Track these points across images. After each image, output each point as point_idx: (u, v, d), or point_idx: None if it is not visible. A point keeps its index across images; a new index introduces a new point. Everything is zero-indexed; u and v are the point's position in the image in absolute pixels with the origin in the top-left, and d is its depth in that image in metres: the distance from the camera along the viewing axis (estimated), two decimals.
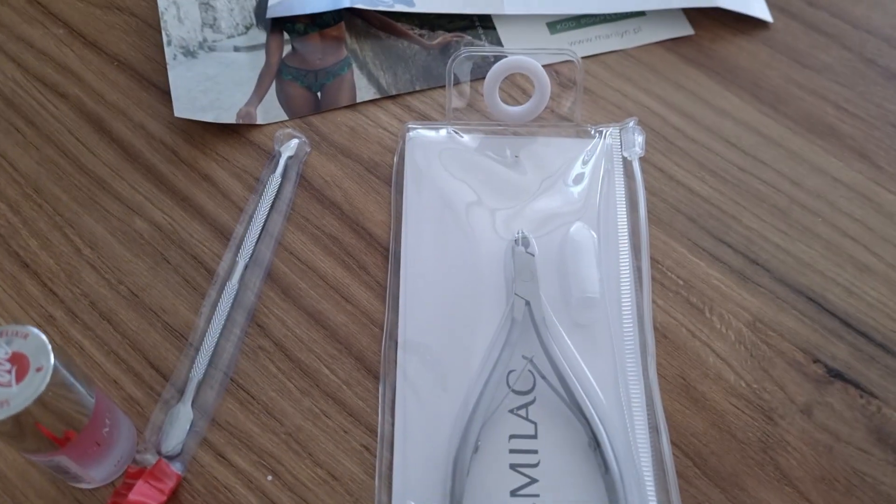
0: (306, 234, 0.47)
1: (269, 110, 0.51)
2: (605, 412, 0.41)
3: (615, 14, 0.56)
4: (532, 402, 0.42)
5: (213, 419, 0.41)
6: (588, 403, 0.40)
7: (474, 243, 0.46)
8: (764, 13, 0.56)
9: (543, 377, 0.42)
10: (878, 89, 0.53)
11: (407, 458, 0.40)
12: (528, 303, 0.43)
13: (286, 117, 0.51)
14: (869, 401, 0.42)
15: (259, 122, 0.50)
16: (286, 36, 0.54)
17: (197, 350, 0.43)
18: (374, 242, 0.47)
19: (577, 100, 0.49)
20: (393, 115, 0.51)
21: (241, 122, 0.50)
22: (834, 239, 0.47)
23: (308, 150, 0.50)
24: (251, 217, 0.47)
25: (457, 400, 0.41)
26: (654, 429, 0.41)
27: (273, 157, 0.49)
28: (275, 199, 0.47)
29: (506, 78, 0.52)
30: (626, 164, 0.49)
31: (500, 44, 0.54)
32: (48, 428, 0.34)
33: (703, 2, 0.55)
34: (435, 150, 0.49)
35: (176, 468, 0.40)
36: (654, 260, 0.46)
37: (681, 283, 0.46)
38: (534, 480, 0.40)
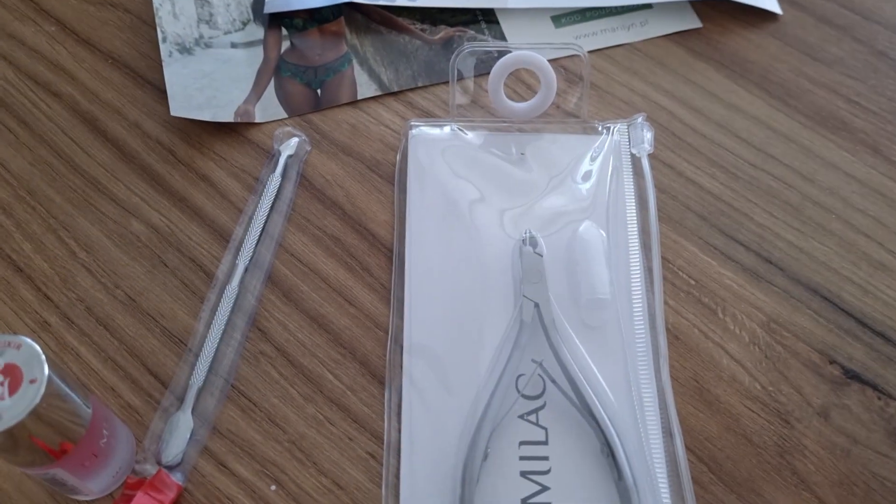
0: (307, 236, 0.46)
1: (268, 108, 0.50)
2: (618, 417, 0.40)
3: (621, 7, 0.54)
4: (542, 407, 0.40)
5: (214, 427, 0.40)
6: (600, 408, 0.39)
7: (480, 243, 0.44)
8: (773, 5, 0.55)
9: (553, 381, 0.41)
10: (891, 82, 0.52)
11: (414, 465, 0.39)
12: (536, 305, 0.42)
13: (285, 115, 0.49)
14: (887, 402, 0.41)
15: (257, 120, 0.49)
16: (284, 32, 0.52)
17: (196, 356, 0.42)
18: (377, 243, 0.46)
19: (583, 95, 0.48)
20: (395, 112, 0.50)
21: (239, 120, 0.49)
22: (848, 236, 0.46)
23: (308, 148, 0.48)
24: (251, 218, 0.45)
25: (464, 405, 0.40)
26: (667, 433, 0.40)
27: (272, 156, 0.48)
28: (275, 199, 0.46)
29: (510, 73, 0.51)
30: (635, 160, 0.47)
31: (503, 38, 0.53)
32: (43, 440, 0.32)
33: None
34: (438, 148, 0.47)
35: (176, 478, 0.39)
36: (664, 259, 0.45)
37: (692, 282, 0.45)
38: (545, 488, 0.38)
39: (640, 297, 0.43)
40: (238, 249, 0.45)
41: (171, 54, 0.50)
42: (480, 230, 0.45)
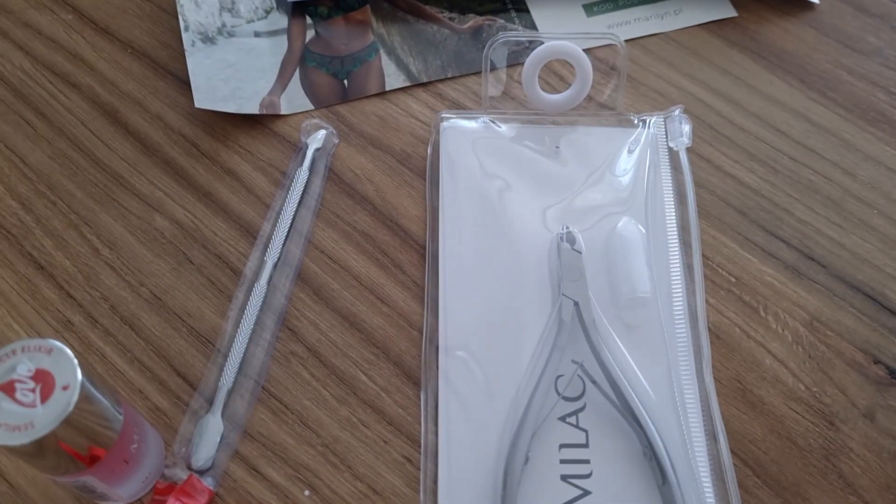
0: (337, 231, 0.44)
1: (294, 99, 0.48)
2: (660, 418, 0.39)
3: None
4: (582, 409, 0.39)
5: (244, 430, 0.39)
6: (642, 409, 0.38)
7: (516, 239, 0.43)
8: None
9: (594, 382, 0.39)
10: None
11: (452, 469, 0.38)
12: (576, 304, 0.40)
13: (311, 107, 0.48)
14: None
15: (283, 111, 0.48)
16: (308, 20, 0.51)
17: (225, 356, 0.40)
18: (409, 239, 0.44)
19: (619, 87, 0.47)
20: (424, 104, 0.49)
21: (264, 112, 0.47)
22: (891, 232, 0.45)
23: (336, 141, 0.47)
24: (278, 213, 0.44)
25: (503, 407, 0.39)
26: (711, 436, 0.39)
27: (299, 149, 0.47)
28: (303, 194, 0.45)
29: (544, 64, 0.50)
30: (673, 154, 0.46)
31: (533, 27, 0.52)
32: (75, 448, 0.31)
33: None
34: (471, 141, 0.46)
35: (207, 483, 0.38)
36: (703, 256, 0.44)
37: (732, 280, 0.44)
38: (587, 492, 0.37)
39: (680, 295, 0.42)
40: (266, 246, 0.43)
41: (193, 44, 0.49)
42: (516, 225, 0.44)
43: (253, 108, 0.47)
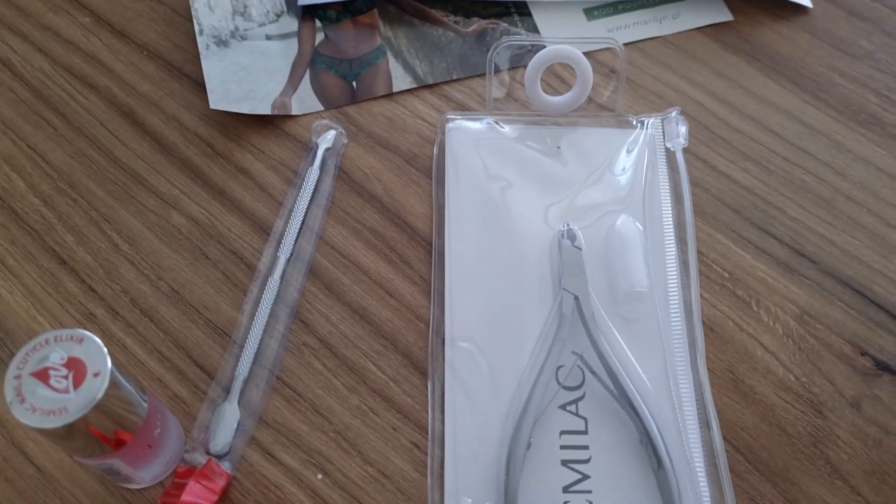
0: (347, 228, 0.46)
1: (304, 100, 0.50)
2: (656, 407, 0.41)
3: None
4: (582, 398, 0.41)
5: (260, 417, 0.41)
6: (638, 398, 0.40)
7: (518, 236, 0.45)
8: None
9: (593, 373, 0.41)
10: None
11: (458, 455, 0.40)
12: (576, 298, 0.42)
13: (321, 107, 0.50)
14: None
15: (294, 112, 0.50)
16: (318, 24, 0.53)
17: (241, 347, 0.42)
18: (416, 236, 0.46)
19: (618, 89, 0.49)
20: (430, 105, 0.50)
21: (276, 113, 0.49)
22: (879, 230, 0.47)
23: (345, 141, 0.49)
24: (290, 211, 0.46)
25: (506, 396, 0.41)
26: (704, 423, 0.41)
27: (310, 149, 0.48)
28: (314, 192, 0.46)
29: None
30: (669, 154, 0.48)
31: (536, 31, 0.53)
32: (103, 432, 0.33)
33: None
34: (475, 141, 0.48)
35: (225, 467, 0.39)
36: (698, 252, 0.46)
37: (726, 275, 0.45)
38: (586, 476, 0.39)
39: (676, 290, 0.44)
40: (279, 242, 0.45)
41: (208, 47, 0.50)
42: (518, 223, 0.45)
43: (265, 109, 0.49)
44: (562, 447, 0.40)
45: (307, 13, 0.53)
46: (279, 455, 0.40)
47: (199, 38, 0.51)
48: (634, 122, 0.49)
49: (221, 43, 0.51)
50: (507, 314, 0.43)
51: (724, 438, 0.41)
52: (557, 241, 0.44)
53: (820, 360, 0.43)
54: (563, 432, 0.40)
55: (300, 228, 0.45)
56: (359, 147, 0.49)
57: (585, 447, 0.40)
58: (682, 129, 0.48)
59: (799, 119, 0.51)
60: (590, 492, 0.39)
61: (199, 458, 0.40)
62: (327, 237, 0.46)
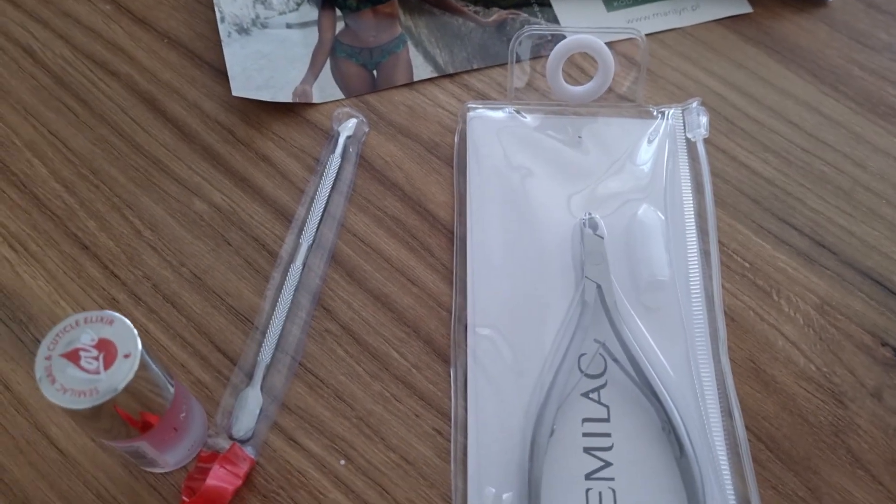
0: (368, 216, 0.46)
1: (325, 89, 0.50)
2: (678, 395, 0.41)
3: None
4: (604, 386, 0.41)
5: (282, 403, 0.41)
6: (661, 387, 0.40)
7: (540, 224, 0.45)
8: None
9: (616, 361, 0.41)
10: None
11: (481, 442, 0.40)
12: (598, 286, 0.42)
13: (342, 96, 0.50)
14: None
15: (315, 100, 0.50)
16: (338, 12, 0.53)
17: (263, 333, 0.42)
18: (438, 224, 0.46)
19: (639, 79, 0.49)
20: (451, 95, 0.51)
21: (297, 100, 0.49)
22: None
23: (366, 129, 0.49)
24: (312, 198, 0.46)
25: (529, 383, 0.41)
26: (726, 412, 0.41)
27: (331, 136, 0.48)
28: (335, 179, 0.47)
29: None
30: (690, 145, 0.48)
31: (555, 20, 0.53)
32: (131, 414, 0.33)
33: None
34: (496, 130, 0.48)
35: (248, 452, 0.40)
36: (719, 242, 0.46)
37: (747, 265, 0.45)
38: (608, 464, 0.39)
39: (697, 279, 0.44)
40: (301, 229, 0.45)
41: (229, 35, 0.50)
42: (539, 211, 0.45)
43: (286, 97, 0.49)
44: (584, 434, 0.40)
45: (327, 2, 0.53)
46: (302, 441, 0.40)
47: (220, 26, 0.51)
48: (655, 113, 0.49)
49: (243, 31, 0.51)
50: (528, 302, 0.43)
51: (746, 427, 0.41)
52: (579, 230, 0.44)
53: (841, 351, 0.43)
54: (585, 420, 0.40)
55: (322, 216, 0.46)
56: (380, 135, 0.49)
57: (608, 435, 0.40)
58: (703, 119, 0.48)
59: (818, 110, 0.51)
60: (612, 479, 0.39)
61: (223, 443, 0.40)
62: (349, 225, 0.46)
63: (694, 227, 0.45)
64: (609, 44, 0.52)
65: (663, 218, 0.45)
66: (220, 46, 0.51)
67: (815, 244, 0.46)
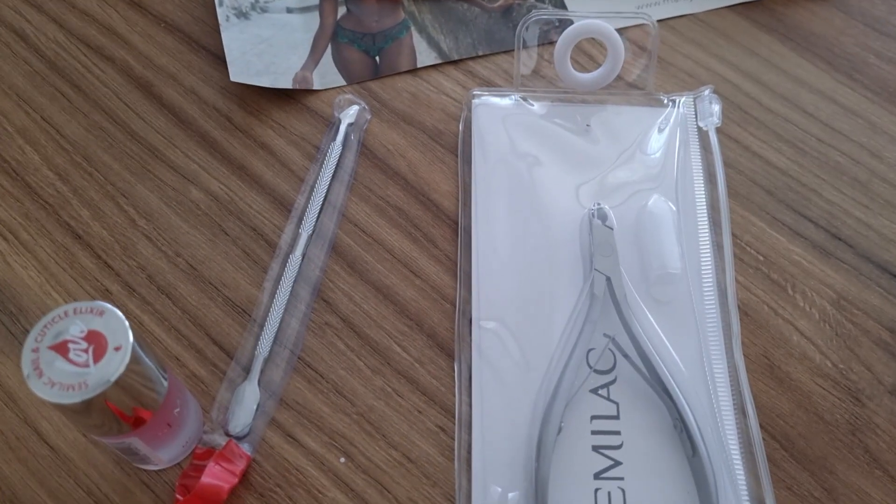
0: (370, 206, 0.45)
1: (326, 75, 0.49)
2: (690, 392, 0.39)
3: None
4: (613, 382, 0.40)
5: (280, 398, 0.40)
6: (673, 383, 0.39)
7: (547, 215, 0.44)
8: None
9: (626, 356, 0.40)
10: None
11: (486, 439, 0.38)
12: (608, 279, 0.41)
13: (344, 82, 0.49)
14: None
15: (316, 87, 0.48)
16: None
17: (261, 326, 0.41)
18: (442, 214, 0.45)
19: (650, 66, 0.47)
20: (455, 81, 0.49)
21: (297, 87, 0.48)
22: None
23: (368, 117, 0.48)
24: (312, 187, 0.45)
25: (536, 379, 0.40)
26: (740, 410, 0.39)
27: (332, 124, 0.47)
28: (336, 168, 0.45)
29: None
30: (702, 134, 0.46)
31: (562, 6, 0.52)
32: (122, 409, 0.32)
33: None
34: (502, 118, 0.46)
35: (245, 449, 0.38)
36: (732, 235, 0.45)
37: (761, 258, 0.44)
38: (617, 463, 0.38)
39: (709, 272, 0.42)
40: (300, 219, 0.44)
41: (228, 19, 0.49)
42: (547, 201, 0.44)
43: (286, 83, 0.47)
44: (593, 432, 0.39)
45: None
46: (300, 437, 0.39)
47: (218, 10, 0.49)
48: (666, 101, 0.48)
49: (241, 15, 0.49)
50: (535, 295, 0.42)
51: (760, 425, 0.40)
52: (588, 221, 0.43)
53: (858, 347, 0.42)
54: (594, 417, 0.39)
55: (322, 205, 0.44)
56: (382, 123, 0.48)
57: (617, 432, 0.39)
58: (716, 108, 0.46)
59: (833, 99, 0.49)
60: (622, 478, 0.38)
61: (219, 440, 0.38)
62: (350, 214, 0.45)
63: (706, 219, 0.44)
64: (619, 30, 0.50)
65: (674, 209, 0.44)
66: (218, 31, 0.49)
67: (832, 237, 0.45)
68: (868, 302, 0.43)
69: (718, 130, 0.47)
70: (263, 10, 0.50)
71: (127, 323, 0.31)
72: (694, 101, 0.47)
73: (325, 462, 0.38)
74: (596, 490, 0.37)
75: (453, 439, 0.39)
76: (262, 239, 0.44)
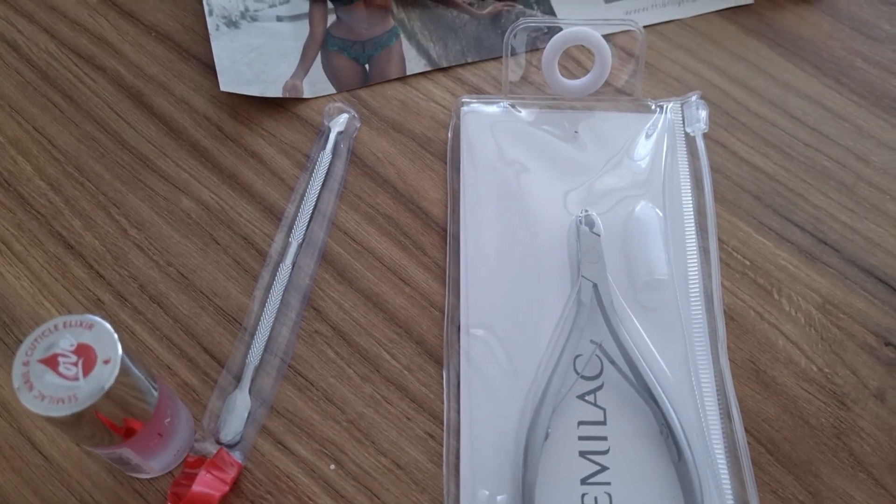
0: (360, 214, 0.45)
1: (316, 83, 0.49)
2: (676, 397, 0.40)
3: None
4: (600, 388, 0.40)
5: (271, 406, 0.40)
6: (659, 388, 0.39)
7: (535, 222, 0.44)
8: None
9: (612, 362, 0.40)
10: None
11: (474, 445, 0.39)
12: (595, 285, 0.41)
13: (334, 90, 0.49)
14: None
15: (306, 95, 0.48)
16: (329, 5, 0.52)
17: (252, 335, 0.41)
18: (431, 222, 0.45)
19: (637, 73, 0.48)
20: (445, 89, 0.49)
21: (287, 95, 0.48)
22: None
23: (358, 125, 0.48)
24: (302, 196, 0.45)
25: (524, 385, 0.40)
26: (725, 414, 0.40)
27: (322, 132, 0.47)
28: (326, 176, 0.45)
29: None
30: (689, 140, 0.47)
31: (552, 13, 0.52)
32: (113, 421, 0.32)
33: None
34: (491, 125, 0.47)
35: (236, 457, 0.39)
36: (719, 240, 0.45)
37: (747, 263, 0.44)
38: (604, 468, 0.39)
39: (696, 278, 0.43)
40: (290, 227, 0.44)
41: (217, 28, 0.49)
42: (535, 208, 0.44)
43: (276, 92, 0.48)
44: (580, 438, 0.39)
45: None
46: (291, 445, 0.39)
47: (208, 20, 0.50)
48: (653, 107, 0.48)
49: (231, 24, 0.50)
50: (523, 302, 0.42)
51: (746, 430, 0.40)
52: (575, 228, 0.43)
53: (843, 351, 0.42)
54: (581, 423, 0.40)
55: (312, 213, 0.44)
56: (372, 131, 0.48)
57: (604, 438, 0.39)
58: (703, 113, 0.46)
59: (820, 104, 0.50)
60: (608, 483, 0.38)
61: (210, 448, 0.39)
62: (340, 222, 0.45)
63: (693, 224, 0.44)
64: (606, 36, 0.51)
65: (661, 215, 0.44)
66: (209, 40, 0.49)
67: (818, 241, 0.45)
68: (853, 306, 0.43)
69: (706, 136, 0.48)
70: (253, 19, 0.50)
71: (116, 336, 0.31)
72: (681, 106, 0.48)
73: (316, 469, 0.39)
74: (583, 495, 0.38)
75: (442, 446, 0.39)
76: (252, 248, 0.44)
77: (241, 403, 0.40)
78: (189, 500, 0.37)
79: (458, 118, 0.47)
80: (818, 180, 0.47)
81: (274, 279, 0.43)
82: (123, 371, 0.31)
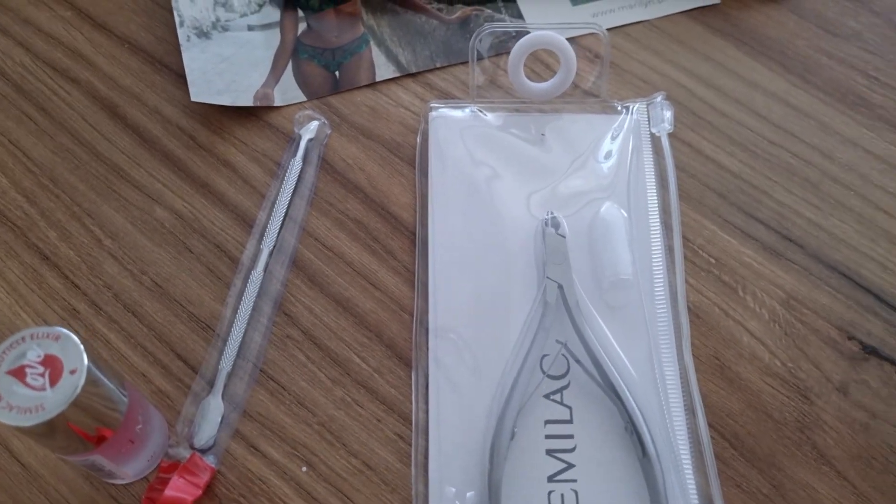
0: (330, 219, 0.46)
1: (287, 91, 0.50)
2: (641, 395, 0.40)
3: None
4: (566, 387, 0.41)
5: (244, 411, 0.41)
6: (623, 386, 0.40)
7: (502, 225, 0.45)
8: None
9: (578, 361, 0.41)
10: None
11: (442, 445, 0.40)
12: (560, 286, 0.42)
13: (304, 98, 0.50)
14: None
15: (277, 103, 0.49)
16: (300, 13, 0.52)
17: (225, 341, 0.42)
18: (400, 226, 0.46)
19: (602, 75, 0.48)
20: (414, 94, 0.50)
21: (258, 104, 0.49)
22: (867, 213, 0.47)
23: (328, 131, 0.49)
24: (273, 203, 0.46)
25: (490, 386, 0.41)
26: (690, 410, 0.40)
27: (293, 140, 0.48)
28: (297, 183, 0.46)
29: (529, 54, 0.51)
30: (655, 140, 0.47)
31: (520, 17, 0.53)
32: (83, 429, 0.33)
33: None
34: (459, 130, 0.47)
35: (209, 461, 0.39)
36: (684, 238, 0.46)
37: (712, 261, 0.45)
38: (570, 465, 0.39)
39: (661, 276, 0.44)
40: (262, 234, 0.45)
41: (188, 38, 0.50)
42: (502, 212, 0.45)
43: (247, 101, 0.49)
44: (546, 436, 0.40)
45: (289, 3, 0.53)
46: (263, 448, 0.40)
47: (179, 31, 0.50)
48: (619, 108, 0.49)
49: (203, 34, 0.50)
50: (490, 304, 0.43)
51: (710, 425, 0.41)
52: (541, 230, 0.44)
53: (807, 346, 0.43)
54: (547, 422, 0.40)
55: (283, 220, 0.45)
56: (342, 137, 0.49)
57: (570, 436, 0.40)
58: (668, 114, 0.47)
59: (786, 101, 0.50)
60: (575, 481, 0.39)
61: (184, 453, 0.40)
62: (311, 228, 0.46)
63: (658, 224, 0.45)
64: (573, 39, 0.51)
65: (626, 215, 0.45)
66: (181, 51, 0.50)
67: (782, 238, 0.46)
68: (817, 301, 0.44)
69: (672, 135, 0.48)
70: (224, 29, 0.51)
71: (82, 346, 0.32)
72: (647, 107, 0.48)
73: (288, 471, 0.40)
74: (549, 493, 0.39)
75: (411, 446, 0.40)
76: (225, 255, 0.45)
77: (214, 408, 0.41)
78: None
79: (427, 123, 0.48)
80: (783, 177, 0.48)
81: (246, 286, 0.43)
82: (90, 380, 0.32)
